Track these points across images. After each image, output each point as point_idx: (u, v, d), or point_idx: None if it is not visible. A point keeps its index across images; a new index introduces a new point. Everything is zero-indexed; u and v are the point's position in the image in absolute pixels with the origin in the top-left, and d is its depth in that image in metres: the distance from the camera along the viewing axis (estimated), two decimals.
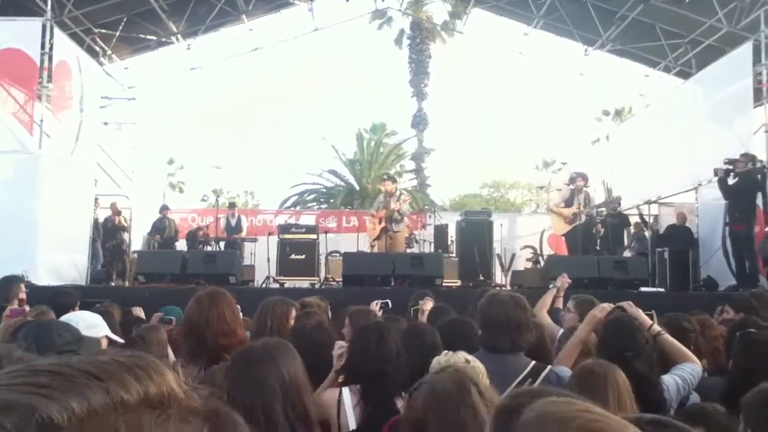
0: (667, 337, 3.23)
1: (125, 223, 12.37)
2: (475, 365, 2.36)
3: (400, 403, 2.72)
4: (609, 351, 2.93)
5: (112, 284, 10.58)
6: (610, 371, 2.41)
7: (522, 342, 3.01)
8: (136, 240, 13.22)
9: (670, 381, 3.01)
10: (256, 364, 2.02)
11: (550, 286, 4.96)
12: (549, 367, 3.02)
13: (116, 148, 13.80)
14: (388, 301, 4.76)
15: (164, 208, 13.54)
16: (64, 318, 2.87)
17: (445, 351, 2.49)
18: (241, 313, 4.59)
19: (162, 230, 13.06)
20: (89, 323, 2.74)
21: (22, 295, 5.41)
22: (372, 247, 11.50)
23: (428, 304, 4.68)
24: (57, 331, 2.41)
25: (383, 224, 10.51)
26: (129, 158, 14.70)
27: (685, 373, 3.10)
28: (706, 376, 3.88)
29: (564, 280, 4.97)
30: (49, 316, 4.35)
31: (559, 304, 4.88)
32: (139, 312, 5.10)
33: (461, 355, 2.41)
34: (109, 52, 14.74)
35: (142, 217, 13.43)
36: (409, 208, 11.02)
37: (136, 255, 11.08)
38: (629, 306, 3.38)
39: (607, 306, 3.35)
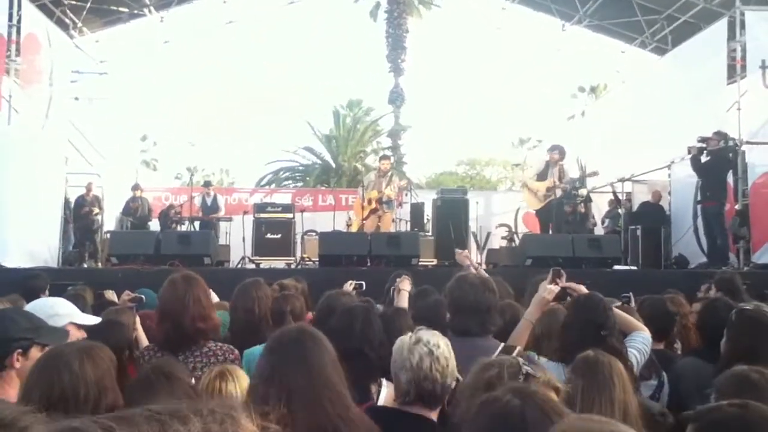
0: (616, 309, 3.24)
1: (98, 202, 12.15)
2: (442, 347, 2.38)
3: (374, 390, 2.72)
4: (583, 330, 2.94)
5: (85, 266, 10.41)
6: (614, 360, 2.40)
7: (491, 325, 3.02)
8: (109, 220, 13.00)
9: (630, 354, 3.04)
10: (308, 346, 2.02)
11: (464, 268, 4.98)
12: (518, 347, 3.03)
13: (88, 124, 13.50)
14: (362, 282, 4.74)
15: (136, 187, 13.30)
16: (29, 305, 2.80)
17: (416, 329, 2.51)
18: (215, 296, 4.57)
19: (135, 209, 12.86)
20: (51, 312, 2.67)
21: None
22: (348, 225, 11.48)
23: (405, 284, 4.66)
24: (13, 318, 2.35)
25: (374, 206, 10.54)
26: (101, 135, 14.40)
27: (638, 344, 3.15)
28: (680, 355, 3.95)
29: (462, 255, 5.12)
30: (20, 303, 4.29)
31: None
32: (111, 295, 5.01)
33: (423, 338, 2.42)
34: (79, 24, 14.36)
35: (115, 196, 13.19)
36: (395, 195, 11.03)
37: (108, 235, 10.92)
38: (575, 287, 3.42)
39: (554, 287, 3.36)
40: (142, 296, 4.61)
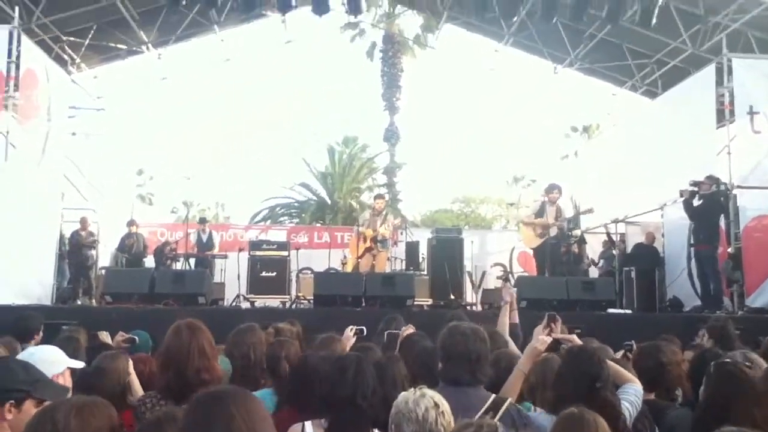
0: (608, 361, 3.24)
1: (93, 238, 12.14)
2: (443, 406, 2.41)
3: None
4: (577, 382, 2.94)
5: (79, 302, 10.37)
6: (598, 418, 2.41)
7: (481, 375, 3.02)
8: (104, 256, 12.98)
9: (623, 407, 3.03)
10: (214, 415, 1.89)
11: (501, 303, 4.95)
12: (509, 400, 3.03)
13: (84, 159, 13.57)
14: (363, 328, 4.71)
15: (131, 222, 13.31)
16: (24, 354, 2.80)
17: (418, 387, 2.54)
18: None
19: (130, 246, 12.86)
20: (49, 360, 2.67)
21: None
22: (344, 264, 11.48)
23: (409, 331, 4.66)
24: (10, 368, 2.33)
25: (368, 244, 10.57)
26: (97, 170, 14.45)
27: (630, 396, 3.15)
28: (671, 405, 3.94)
29: (510, 292, 4.97)
30: (13, 347, 4.28)
31: (515, 317, 4.83)
32: (105, 337, 5.00)
33: (427, 393, 2.45)
34: (77, 60, 14.53)
35: (111, 231, 13.20)
36: (389, 234, 11.07)
37: (103, 272, 10.89)
38: (567, 338, 3.44)
39: (547, 338, 3.39)
40: (135, 337, 4.61)
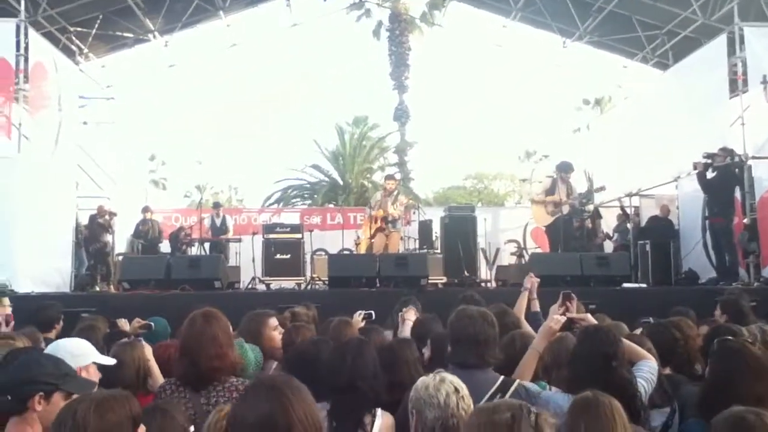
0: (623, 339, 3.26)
1: (110, 223, 12.25)
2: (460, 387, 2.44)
3: (368, 420, 2.76)
4: (593, 362, 2.94)
5: (97, 288, 10.51)
6: (614, 401, 2.41)
7: (490, 357, 3.05)
8: (120, 242, 13.12)
9: (638, 385, 3.04)
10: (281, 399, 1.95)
11: (521, 289, 4.95)
12: (517, 381, 3.06)
13: (96, 148, 13.65)
14: (372, 312, 4.77)
15: (146, 209, 13.46)
16: (52, 346, 2.86)
17: (437, 370, 2.57)
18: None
19: (145, 232, 12.99)
20: (75, 353, 2.74)
21: (7, 311, 5.36)
22: (357, 244, 11.51)
23: (411, 314, 4.69)
24: (39, 361, 2.40)
25: (380, 224, 10.61)
26: (110, 158, 14.55)
27: (645, 373, 3.16)
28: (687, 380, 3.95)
29: (532, 280, 4.95)
30: (36, 337, 4.35)
31: (536, 306, 4.83)
32: (123, 324, 5.07)
33: (446, 377, 2.48)
34: (85, 50, 14.57)
35: (126, 218, 13.33)
36: (401, 213, 11.09)
37: (120, 258, 11.01)
38: (582, 318, 3.45)
39: (561, 318, 3.41)
40: (152, 324, 4.67)
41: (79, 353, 2.76)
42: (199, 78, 59.29)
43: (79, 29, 13.93)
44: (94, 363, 2.84)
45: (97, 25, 14.05)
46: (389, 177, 11.66)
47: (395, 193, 10.89)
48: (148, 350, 3.70)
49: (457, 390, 2.39)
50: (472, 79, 63.94)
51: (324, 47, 66.14)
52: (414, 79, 29.54)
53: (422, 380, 2.48)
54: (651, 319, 4.49)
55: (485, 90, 67.99)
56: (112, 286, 10.75)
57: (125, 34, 15.06)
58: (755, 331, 4.08)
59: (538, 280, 4.96)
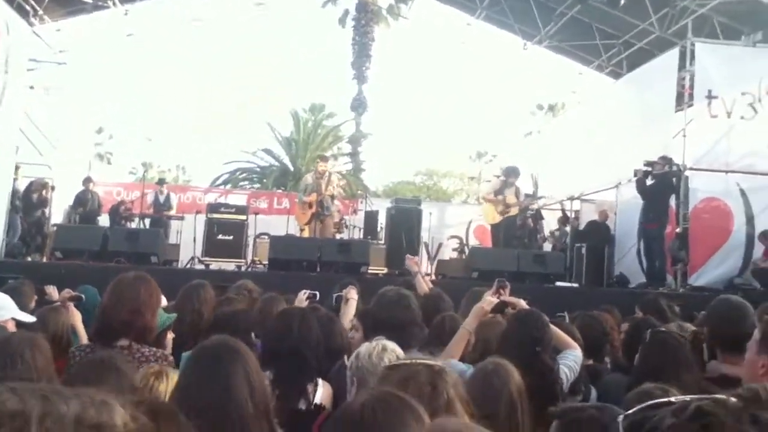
0: (552, 327, 3.35)
1: (46, 198, 11.85)
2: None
3: (310, 389, 2.78)
4: (519, 345, 3.02)
5: (29, 259, 10.17)
6: (512, 371, 2.50)
7: (410, 339, 3.10)
8: (57, 213, 12.73)
9: (560, 371, 3.13)
10: (224, 362, 2.00)
11: (413, 274, 5.17)
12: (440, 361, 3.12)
13: (41, 113, 13.21)
14: (317, 293, 4.76)
15: (88, 180, 13.06)
16: None
17: (377, 338, 2.60)
18: (163, 298, 4.54)
19: (85, 203, 12.60)
20: None
21: None
22: (302, 231, 11.44)
23: (353, 293, 4.73)
24: None
25: (314, 209, 10.31)
26: (55, 125, 14.10)
27: (569, 361, 3.24)
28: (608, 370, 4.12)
29: (413, 262, 5.41)
30: None
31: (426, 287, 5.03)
32: (52, 291, 4.95)
33: (388, 346, 2.52)
34: (40, 12, 14.04)
35: (65, 189, 12.93)
36: (340, 190, 10.90)
37: (55, 228, 10.68)
38: (515, 301, 3.54)
39: (493, 299, 3.49)
40: (82, 295, 4.57)
41: (5, 306, 2.70)
42: (158, 52, 58.07)
43: None
44: (13, 319, 2.78)
45: None
46: (322, 158, 11.22)
47: (327, 174, 10.52)
48: (77, 317, 3.63)
49: (398, 359, 2.42)
50: (433, 75, 64.43)
51: (287, 31, 65.56)
52: (375, 70, 29.56)
53: (365, 348, 2.50)
54: (565, 314, 4.62)
55: (444, 87, 68.55)
56: (44, 258, 10.43)
57: None
58: (674, 328, 4.26)
59: (417, 258, 5.25)
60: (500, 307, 3.57)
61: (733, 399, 0.91)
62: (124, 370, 2.31)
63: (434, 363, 2.02)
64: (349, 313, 4.42)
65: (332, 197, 10.30)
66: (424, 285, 4.97)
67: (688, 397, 1.04)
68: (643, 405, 1.10)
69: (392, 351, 2.45)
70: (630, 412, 1.09)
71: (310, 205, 10.26)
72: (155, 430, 0.69)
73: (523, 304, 3.65)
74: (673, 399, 1.02)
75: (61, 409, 0.59)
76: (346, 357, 3.04)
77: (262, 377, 2.07)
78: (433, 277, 10.52)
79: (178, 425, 1.18)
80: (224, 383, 1.92)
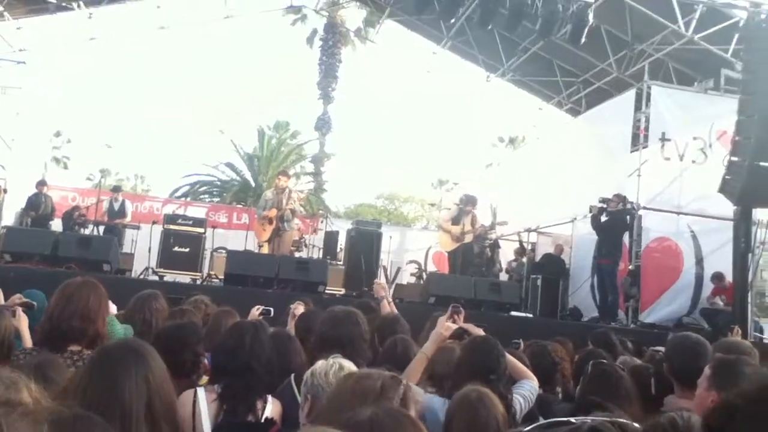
0: (508, 356, 3.37)
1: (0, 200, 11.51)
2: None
3: (259, 405, 2.74)
4: (474, 372, 3.02)
5: None
6: (495, 398, 2.51)
7: (357, 356, 3.08)
8: (8, 215, 12.36)
9: (515, 400, 3.17)
10: (120, 363, 1.95)
11: (379, 299, 5.23)
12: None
13: None
14: (271, 309, 4.70)
15: (41, 183, 12.73)
16: None
17: (334, 355, 2.59)
18: (113, 306, 4.45)
19: (37, 206, 12.27)
20: None
21: None
22: (261, 247, 11.31)
23: (299, 309, 4.70)
24: None
25: (274, 225, 10.11)
26: (10, 125, 13.75)
27: (525, 391, 3.29)
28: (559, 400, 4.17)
29: (380, 287, 5.56)
30: None
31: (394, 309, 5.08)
32: None
33: (344, 365, 2.50)
34: (1, 9, 13.77)
35: (19, 190, 12.57)
36: (300, 208, 10.76)
37: (4, 230, 10.36)
38: (472, 328, 3.57)
39: (452, 325, 3.51)
40: (34, 303, 4.44)
41: None
42: (122, 57, 57.36)
43: None
44: None
45: None
46: (282, 173, 10.98)
47: (287, 190, 10.30)
48: (23, 321, 3.52)
49: None
50: (398, 100, 64.94)
51: (255, 46, 65.49)
52: (340, 91, 29.70)
53: (321, 366, 2.46)
54: (520, 341, 4.70)
55: (409, 112, 69.15)
56: None
57: None
58: (625, 361, 4.35)
59: (383, 282, 5.23)
60: (459, 334, 3.59)
61: (638, 425, 0.94)
62: (53, 377, 2.25)
63: (392, 373, 2.02)
64: (291, 327, 4.40)
65: (293, 212, 10.14)
66: (389, 310, 4.93)
67: (589, 419, 1.07)
68: (541, 423, 1.13)
69: (348, 370, 2.43)
70: (527, 429, 1.12)
71: (270, 221, 10.06)
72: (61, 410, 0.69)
73: (480, 332, 3.69)
74: (573, 420, 1.06)
75: None
76: (292, 375, 3.01)
77: (166, 383, 2.00)
78: (390, 300, 10.57)
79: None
80: (113, 384, 1.87)
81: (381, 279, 10.95)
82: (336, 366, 2.43)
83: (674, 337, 3.55)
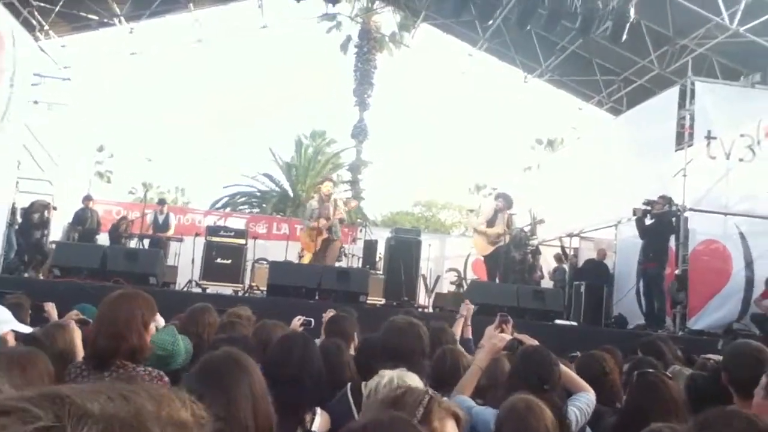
0: (563, 367, 3.33)
1: (46, 219, 11.80)
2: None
3: (308, 418, 2.74)
4: (528, 382, 2.99)
5: (26, 275, 10.11)
6: (543, 407, 2.48)
7: (416, 369, 3.05)
8: (56, 229, 12.70)
9: (571, 412, 3.11)
10: (228, 374, 1.99)
11: (457, 316, 5.06)
12: (451, 395, 3.08)
13: (44, 129, 13.24)
14: (311, 320, 4.71)
15: (87, 198, 13.08)
16: None
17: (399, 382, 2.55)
18: (159, 317, 4.52)
19: (84, 221, 12.59)
20: None
21: None
22: (301, 257, 11.38)
23: (330, 313, 4.73)
24: None
25: (324, 235, 10.04)
26: (56, 141, 14.13)
27: (581, 404, 3.21)
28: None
29: (468, 307, 5.07)
30: None
31: (468, 333, 4.93)
32: (51, 309, 4.91)
33: (401, 374, 2.47)
34: (46, 27, 14.19)
35: (65, 206, 12.92)
36: (347, 217, 10.76)
37: (54, 246, 10.64)
38: (526, 338, 3.51)
39: (506, 336, 3.47)
40: (89, 321, 4.53)
41: (3, 319, 2.68)
42: (161, 71, 58.52)
43: (42, 4, 13.59)
44: (13, 331, 2.76)
45: (61, 3, 13.71)
46: (326, 179, 10.97)
47: (332, 197, 10.31)
48: (77, 334, 3.60)
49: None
50: (433, 106, 64.83)
51: (291, 55, 66.22)
52: (376, 97, 29.74)
53: (385, 388, 2.38)
54: (578, 354, 4.61)
55: (445, 117, 68.99)
56: (41, 275, 10.36)
57: (90, 15, 14.74)
58: (674, 369, 4.23)
59: (474, 307, 5.07)
60: (513, 345, 3.54)
61: None
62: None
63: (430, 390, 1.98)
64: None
65: (341, 221, 10.17)
66: (458, 330, 4.83)
67: None
68: None
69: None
70: None
71: (320, 231, 9.99)
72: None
73: (532, 340, 3.64)
74: None
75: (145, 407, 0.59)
76: (348, 385, 3.00)
77: (266, 393, 2.04)
78: (431, 310, 10.53)
79: None
80: (227, 396, 1.90)
81: (419, 287, 10.88)
82: (401, 391, 2.36)
83: (734, 344, 3.44)
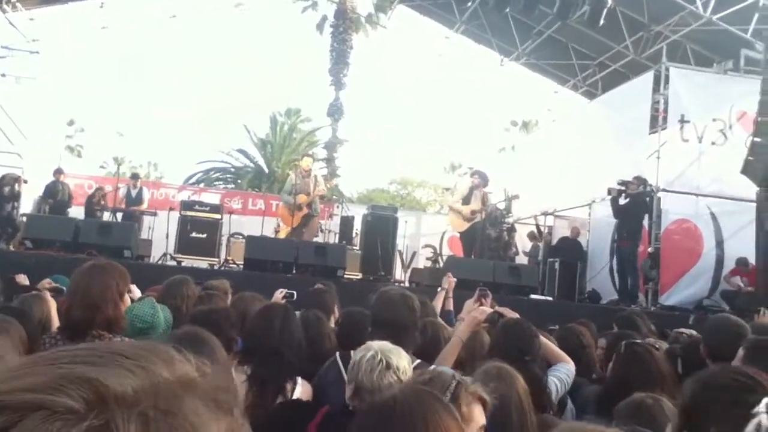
0: (543, 339, 3.35)
1: (16, 192, 11.53)
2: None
3: (289, 387, 2.74)
4: (508, 353, 2.99)
5: None
6: (516, 374, 2.50)
7: (407, 341, 3.06)
8: (27, 203, 12.44)
9: (551, 382, 3.14)
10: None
11: (438, 289, 5.08)
12: (432, 366, 3.09)
13: (12, 102, 12.94)
14: (294, 292, 4.69)
15: (58, 171, 12.82)
16: None
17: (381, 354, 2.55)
18: (135, 288, 4.47)
19: (55, 194, 12.35)
20: None
21: None
22: (277, 232, 11.34)
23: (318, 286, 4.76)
24: None
25: (305, 211, 10.10)
26: (25, 115, 13.83)
27: (561, 374, 3.25)
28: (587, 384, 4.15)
29: (450, 281, 5.10)
30: None
31: (450, 305, 4.97)
32: (23, 280, 4.83)
33: (392, 364, 2.46)
34: (13, 0, 13.80)
35: (35, 179, 12.65)
36: (326, 190, 10.72)
37: (24, 218, 10.44)
38: (507, 311, 3.55)
39: (487, 309, 3.49)
40: (63, 288, 4.47)
41: None
42: (132, 46, 57.34)
43: None
44: None
45: None
46: (306, 155, 10.99)
47: (313, 173, 10.35)
48: (53, 305, 3.55)
49: (400, 381, 2.30)
50: (410, 85, 64.61)
51: (265, 33, 65.29)
52: (352, 77, 29.48)
53: (367, 362, 2.32)
54: (557, 328, 4.68)
55: (421, 97, 68.86)
56: (12, 247, 10.17)
57: None
58: (648, 342, 4.32)
59: (455, 280, 5.09)
60: (494, 318, 3.56)
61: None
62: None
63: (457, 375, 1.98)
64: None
65: (322, 197, 10.17)
66: (439, 303, 4.84)
67: None
68: None
69: (394, 371, 2.28)
70: None
71: (300, 207, 10.05)
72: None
73: (512, 313, 3.67)
74: None
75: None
76: (338, 354, 3.00)
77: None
78: (407, 284, 10.58)
79: None
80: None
81: (395, 263, 10.93)
82: (383, 365, 2.36)
83: (713, 318, 3.51)
